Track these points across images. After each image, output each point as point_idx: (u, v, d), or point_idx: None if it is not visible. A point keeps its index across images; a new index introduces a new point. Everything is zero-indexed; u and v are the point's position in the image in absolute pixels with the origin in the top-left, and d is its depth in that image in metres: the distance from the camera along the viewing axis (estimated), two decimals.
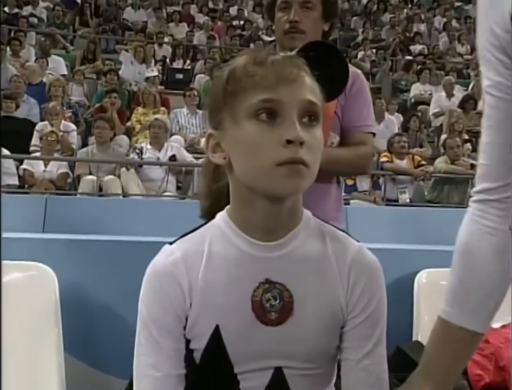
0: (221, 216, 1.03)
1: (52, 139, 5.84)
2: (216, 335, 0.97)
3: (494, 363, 1.54)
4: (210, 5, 12.85)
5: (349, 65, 1.87)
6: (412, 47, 11.83)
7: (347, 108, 1.82)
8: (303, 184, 0.95)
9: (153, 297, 0.99)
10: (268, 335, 0.98)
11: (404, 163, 6.32)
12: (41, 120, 6.62)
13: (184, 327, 0.99)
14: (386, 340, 1.39)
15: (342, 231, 1.09)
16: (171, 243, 1.03)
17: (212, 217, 1.05)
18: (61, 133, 6.22)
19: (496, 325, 1.66)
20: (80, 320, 1.55)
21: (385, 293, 1.05)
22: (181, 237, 1.04)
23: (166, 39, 10.73)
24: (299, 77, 0.95)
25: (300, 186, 0.95)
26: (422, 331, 1.66)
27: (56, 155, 6.04)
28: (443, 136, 7.50)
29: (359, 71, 1.92)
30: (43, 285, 1.43)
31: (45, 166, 5.80)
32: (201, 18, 11.99)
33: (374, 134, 1.93)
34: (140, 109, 7.30)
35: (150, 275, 1.00)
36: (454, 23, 13.01)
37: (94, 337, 1.57)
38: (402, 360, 1.55)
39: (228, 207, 1.04)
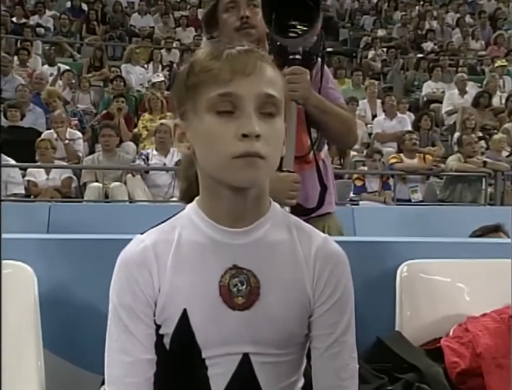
0: (191, 206, 1.08)
1: (47, 148, 5.91)
2: (184, 319, 1.02)
3: (471, 350, 1.57)
4: None
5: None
6: (424, 45, 11.81)
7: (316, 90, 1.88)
8: (259, 176, 0.99)
9: (124, 284, 1.04)
10: (235, 319, 1.02)
11: (414, 162, 6.32)
12: (48, 129, 6.72)
13: (154, 313, 1.04)
14: (368, 332, 1.44)
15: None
16: (142, 233, 1.08)
17: (190, 200, 1.10)
18: (66, 141, 6.32)
19: (476, 314, 1.70)
20: (60, 317, 1.59)
21: (351, 282, 1.09)
22: (152, 228, 1.09)
23: (173, 44, 10.82)
24: (255, 69, 0.98)
25: (256, 178, 0.99)
26: (404, 323, 1.70)
27: (61, 162, 6.13)
28: (456, 134, 7.50)
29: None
30: (21, 284, 1.48)
31: (47, 174, 5.89)
32: None
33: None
34: (147, 115, 7.38)
35: (120, 263, 1.05)
36: (468, 19, 12.94)
37: (75, 334, 1.62)
38: (382, 351, 1.60)
39: (197, 198, 1.09)
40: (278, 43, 1.78)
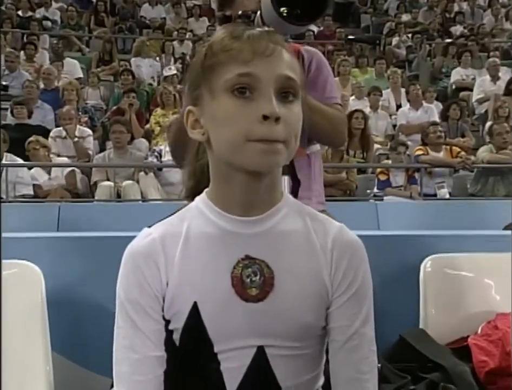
0: (200, 197, 1.10)
1: (36, 148, 5.89)
2: (195, 312, 1.03)
3: (501, 348, 1.57)
4: None
5: (306, 46, 2.00)
6: (452, 29, 11.71)
7: (309, 85, 1.91)
8: (280, 161, 1.01)
9: (130, 278, 1.05)
10: (248, 311, 1.03)
11: (440, 156, 6.26)
12: (57, 126, 6.78)
13: (162, 309, 1.05)
14: (390, 330, 1.45)
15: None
16: (149, 226, 1.09)
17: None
18: (76, 139, 6.39)
19: (506, 310, 1.70)
20: (68, 318, 1.62)
21: (369, 271, 1.10)
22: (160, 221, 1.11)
23: (186, 36, 10.87)
24: (275, 51, 1.00)
25: (276, 162, 1.01)
26: (428, 321, 1.71)
27: (71, 161, 6.19)
28: (488, 124, 7.42)
29: (316, 50, 2.05)
30: (29, 284, 1.50)
31: (48, 173, 5.93)
32: None
33: (341, 106, 2.05)
34: (159, 110, 7.42)
35: (126, 256, 1.07)
36: None
37: (84, 336, 1.64)
38: (405, 350, 1.60)
39: (207, 189, 1.10)
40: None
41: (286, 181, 1.71)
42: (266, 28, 1.06)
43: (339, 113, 1.96)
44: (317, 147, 2.06)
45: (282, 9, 1.63)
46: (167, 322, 1.06)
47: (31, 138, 5.98)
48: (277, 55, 1.01)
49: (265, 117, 0.97)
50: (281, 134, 0.98)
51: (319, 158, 2.09)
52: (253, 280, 1.04)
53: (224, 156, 1.03)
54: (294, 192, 1.84)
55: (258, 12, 1.76)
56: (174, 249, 1.05)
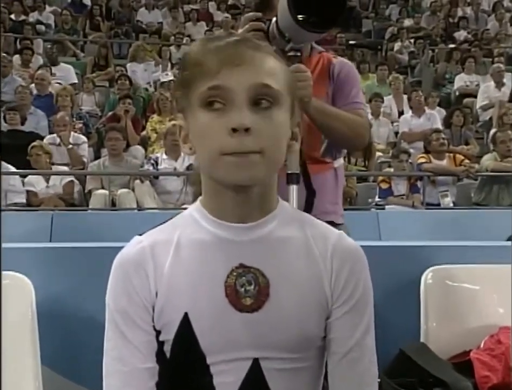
0: (194, 205, 1.10)
1: (39, 153, 5.91)
2: (186, 323, 1.02)
3: (504, 363, 1.57)
4: (230, 1, 13.00)
5: (340, 57, 2.09)
6: (456, 34, 11.75)
7: (336, 92, 2.02)
8: (257, 173, 0.99)
9: (119, 287, 1.05)
10: (243, 321, 1.02)
11: (443, 164, 6.28)
12: (50, 133, 6.79)
13: (153, 319, 1.04)
14: (390, 343, 1.44)
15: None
16: (140, 234, 1.09)
17: None
18: (70, 146, 6.39)
19: (509, 324, 1.69)
20: (59, 331, 1.61)
21: (370, 280, 1.09)
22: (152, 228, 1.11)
23: (183, 41, 10.91)
24: (246, 60, 1.00)
25: (253, 175, 0.99)
26: (429, 334, 1.70)
27: (65, 169, 6.19)
28: (492, 131, 7.44)
29: (348, 62, 2.16)
30: (19, 295, 1.49)
31: (47, 181, 5.93)
32: (220, 16, 12.15)
33: (366, 112, 2.16)
34: (156, 117, 7.44)
35: (116, 265, 1.07)
36: (506, 2, 12.80)
37: (74, 350, 1.64)
38: (406, 364, 1.60)
39: (200, 197, 1.10)
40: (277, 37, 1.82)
41: (294, 190, 1.73)
42: (238, 37, 1.05)
43: (358, 117, 2.02)
44: (341, 160, 2.13)
45: (299, 16, 1.66)
46: (158, 333, 1.06)
47: (34, 143, 6.02)
48: (249, 63, 1.00)
49: (234, 130, 0.97)
50: (253, 145, 0.97)
51: (342, 171, 2.15)
52: (247, 290, 1.03)
53: (205, 171, 1.04)
54: (309, 202, 1.87)
55: (274, 19, 1.80)
56: (164, 258, 1.05)
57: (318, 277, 1.06)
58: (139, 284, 1.04)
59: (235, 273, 1.03)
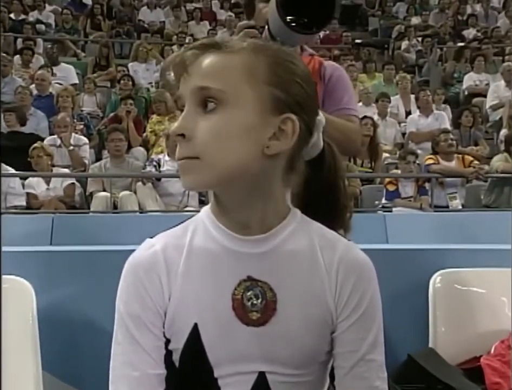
0: (205, 209, 1.11)
1: (40, 155, 5.91)
2: (195, 333, 1.03)
3: None
4: None
5: (329, 61, 2.14)
6: (465, 32, 11.73)
7: (327, 96, 2.03)
8: (198, 178, 1.00)
9: (131, 291, 1.05)
10: (249, 335, 1.03)
11: (452, 165, 6.25)
12: (51, 134, 6.80)
13: (163, 325, 1.05)
14: (398, 349, 1.44)
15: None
16: (152, 237, 1.10)
17: None
18: (71, 147, 6.40)
19: None
20: (61, 337, 1.62)
21: (378, 294, 1.09)
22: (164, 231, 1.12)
23: (186, 40, 10.92)
24: (192, 65, 1.01)
25: (195, 181, 1.01)
26: (438, 339, 1.70)
27: (65, 171, 6.19)
28: (503, 132, 7.42)
29: (339, 66, 2.22)
30: (19, 300, 1.50)
31: (47, 183, 5.93)
32: (223, 15, 12.17)
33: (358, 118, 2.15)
34: (155, 117, 7.42)
35: (127, 268, 1.07)
36: None
37: (76, 355, 1.64)
38: (414, 370, 1.60)
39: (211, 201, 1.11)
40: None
41: None
42: (197, 43, 1.06)
43: (350, 123, 2.04)
44: None
45: (288, 18, 1.67)
46: (167, 341, 1.06)
47: (35, 145, 6.02)
48: (194, 68, 1.01)
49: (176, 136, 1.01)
50: (188, 151, 0.99)
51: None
52: (254, 304, 1.04)
53: None
54: None
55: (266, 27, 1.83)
56: (176, 263, 1.06)
57: (322, 292, 1.06)
58: (152, 288, 1.05)
59: (243, 286, 1.04)
